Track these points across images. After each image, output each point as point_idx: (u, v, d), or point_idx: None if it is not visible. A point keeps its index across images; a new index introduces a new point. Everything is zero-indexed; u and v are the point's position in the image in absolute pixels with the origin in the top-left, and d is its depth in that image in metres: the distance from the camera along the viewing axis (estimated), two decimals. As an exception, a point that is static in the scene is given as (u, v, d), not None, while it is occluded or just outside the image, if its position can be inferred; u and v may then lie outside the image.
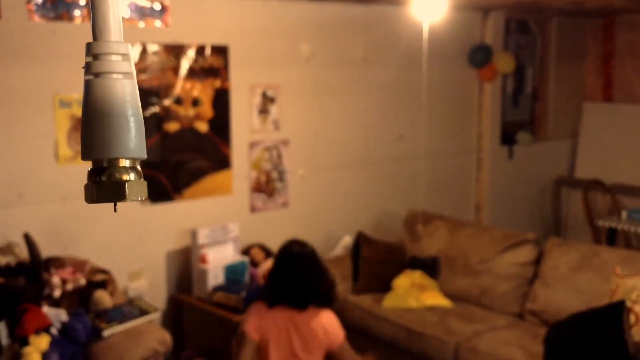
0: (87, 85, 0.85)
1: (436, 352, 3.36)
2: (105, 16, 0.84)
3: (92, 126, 0.86)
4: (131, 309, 3.13)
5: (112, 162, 0.91)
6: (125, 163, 0.92)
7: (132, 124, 0.89)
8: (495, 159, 5.45)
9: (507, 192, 5.57)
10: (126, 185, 0.90)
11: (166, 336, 2.96)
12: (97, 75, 0.84)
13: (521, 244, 3.82)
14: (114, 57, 0.85)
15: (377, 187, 4.86)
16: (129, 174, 0.92)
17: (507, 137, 5.53)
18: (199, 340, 3.75)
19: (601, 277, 3.38)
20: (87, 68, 0.85)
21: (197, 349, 3.68)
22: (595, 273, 3.45)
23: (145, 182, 0.96)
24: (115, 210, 1.01)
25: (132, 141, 0.89)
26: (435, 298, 3.77)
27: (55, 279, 3.02)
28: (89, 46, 0.86)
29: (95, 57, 0.85)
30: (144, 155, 0.92)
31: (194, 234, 3.74)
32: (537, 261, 3.74)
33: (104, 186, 0.92)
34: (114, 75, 0.85)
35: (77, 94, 3.40)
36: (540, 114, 5.88)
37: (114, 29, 0.85)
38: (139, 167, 0.94)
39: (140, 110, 0.90)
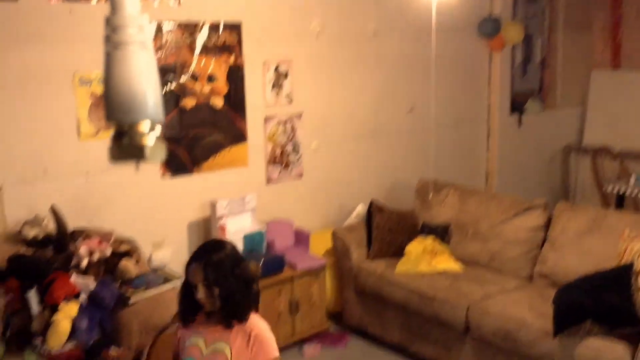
0: (107, 56, 0.92)
1: (448, 315, 3.48)
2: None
3: (114, 93, 0.94)
4: (155, 277, 3.25)
5: (133, 126, 0.98)
6: (144, 126, 0.99)
7: (150, 91, 0.96)
8: (504, 127, 5.51)
9: (517, 160, 5.64)
10: (146, 146, 0.97)
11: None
12: (116, 46, 0.90)
13: (530, 210, 3.90)
14: (131, 29, 0.90)
15: (388, 157, 4.96)
16: (148, 136, 0.99)
17: (517, 106, 5.59)
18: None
19: (609, 241, 3.45)
20: (107, 40, 0.91)
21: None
22: (603, 236, 3.53)
23: (164, 145, 1.03)
24: (137, 169, 1.08)
25: (150, 106, 0.96)
26: (446, 263, 3.89)
27: (82, 250, 3.15)
28: (107, 19, 0.91)
29: (114, 29, 0.90)
30: (162, 119, 1.00)
31: (213, 206, 3.87)
32: (546, 226, 3.83)
33: (126, 147, 0.99)
34: (131, 47, 0.90)
35: (96, 72, 3.50)
36: (548, 82, 5.92)
37: (130, 1, 0.91)
38: (158, 130, 1.01)
39: (157, 77, 0.97)
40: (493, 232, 3.97)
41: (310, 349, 3.91)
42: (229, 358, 2.17)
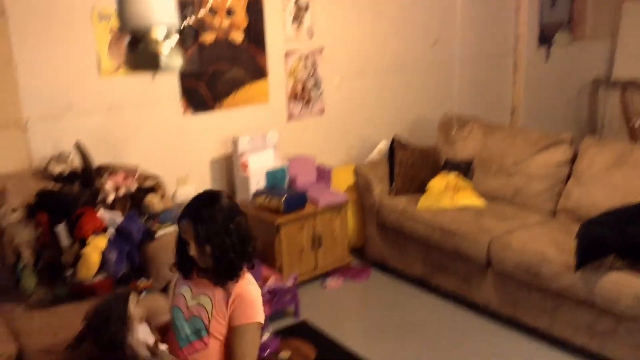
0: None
1: (469, 249, 3.50)
2: None
3: (129, 3, 0.94)
4: (180, 212, 3.30)
5: (147, 33, 0.99)
6: (159, 33, 1.00)
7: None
8: (531, 60, 5.37)
9: (543, 94, 5.52)
10: (161, 54, 0.98)
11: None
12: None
13: (556, 145, 3.85)
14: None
15: (411, 92, 4.88)
16: (163, 44, 1.00)
17: (544, 38, 5.42)
18: (243, 241, 3.96)
19: (636, 175, 3.41)
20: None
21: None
22: (630, 171, 3.47)
23: (180, 53, 1.04)
24: (153, 79, 1.11)
25: (164, 12, 0.96)
26: (469, 198, 3.88)
27: (108, 185, 3.20)
28: None
29: None
30: (177, 26, 0.99)
31: (234, 142, 3.88)
32: (572, 161, 3.78)
33: (141, 55, 1.00)
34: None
35: (115, 7, 3.45)
36: (578, 13, 5.71)
37: None
38: (173, 40, 1.02)
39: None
40: (517, 168, 3.93)
41: (332, 282, 3.99)
42: (210, 313, 2.06)
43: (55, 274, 2.88)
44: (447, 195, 3.88)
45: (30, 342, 2.54)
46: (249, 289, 2.08)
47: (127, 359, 2.09)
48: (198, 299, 2.10)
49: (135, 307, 2.14)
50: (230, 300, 2.04)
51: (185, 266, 2.16)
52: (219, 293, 2.07)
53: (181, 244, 2.11)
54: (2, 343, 2.52)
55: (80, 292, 2.84)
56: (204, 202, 2.07)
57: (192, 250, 2.05)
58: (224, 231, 2.02)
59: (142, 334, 2.11)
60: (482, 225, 3.57)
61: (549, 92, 5.57)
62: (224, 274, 2.05)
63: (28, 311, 2.77)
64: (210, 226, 2.01)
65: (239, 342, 2.02)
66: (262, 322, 2.08)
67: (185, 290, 2.16)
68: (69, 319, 2.64)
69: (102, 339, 2.12)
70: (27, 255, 2.94)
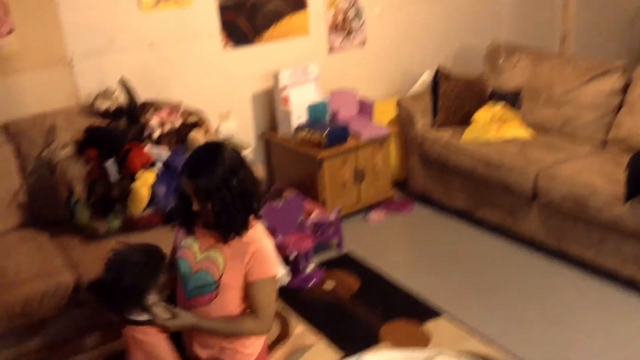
0: None
1: (515, 181, 3.45)
2: None
3: None
4: (224, 146, 3.34)
5: None
6: None
7: None
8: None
9: (595, 20, 5.25)
10: None
11: (258, 170, 3.17)
12: None
13: (607, 73, 3.70)
14: None
15: (456, 20, 4.72)
16: None
17: (598, -40, 5.11)
18: (287, 174, 4.00)
19: (692, 103, 3.27)
20: None
21: (286, 182, 3.94)
22: (686, 99, 3.33)
23: None
24: None
25: None
26: (515, 130, 3.79)
27: (153, 121, 3.24)
28: None
29: None
30: None
31: (275, 76, 3.85)
32: (624, 90, 3.64)
33: None
34: None
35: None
36: None
37: None
38: None
39: None
40: (567, 97, 3.80)
41: (375, 216, 4.01)
42: (221, 268, 2.04)
43: (107, 207, 2.97)
44: (493, 127, 3.80)
45: (85, 272, 2.65)
46: (264, 244, 2.04)
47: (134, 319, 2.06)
48: (208, 252, 2.06)
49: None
50: (247, 258, 2.01)
51: (188, 220, 2.11)
52: (231, 248, 2.03)
53: (183, 198, 2.05)
54: (61, 273, 2.65)
55: (131, 225, 2.93)
56: (204, 156, 1.97)
57: (195, 207, 1.99)
58: (225, 187, 1.93)
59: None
60: (529, 157, 3.50)
61: (602, 18, 5.30)
62: (227, 230, 2.00)
63: (83, 243, 2.88)
64: (210, 182, 1.92)
65: (259, 295, 2.04)
66: (278, 273, 2.11)
67: (190, 242, 2.11)
68: (122, 250, 2.75)
69: (119, 293, 2.04)
70: (79, 190, 3.03)
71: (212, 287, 2.05)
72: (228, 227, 1.99)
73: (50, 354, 2.65)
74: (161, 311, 2.04)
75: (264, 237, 2.06)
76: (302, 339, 2.66)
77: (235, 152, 2.03)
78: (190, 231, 2.13)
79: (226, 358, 2.11)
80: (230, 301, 2.08)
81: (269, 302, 2.06)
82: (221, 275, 2.03)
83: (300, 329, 2.76)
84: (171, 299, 2.19)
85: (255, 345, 2.14)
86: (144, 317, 2.05)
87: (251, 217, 2.05)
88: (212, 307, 2.07)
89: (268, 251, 2.05)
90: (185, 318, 2.04)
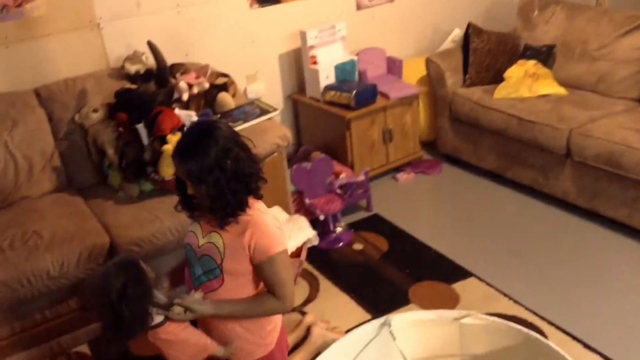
0: None
1: (548, 139, 3.39)
2: None
3: None
4: (252, 108, 3.34)
5: None
6: None
7: None
8: None
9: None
10: None
11: (287, 132, 3.17)
12: None
13: (646, 26, 3.57)
14: None
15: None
16: None
17: None
18: (315, 136, 3.99)
19: None
20: None
21: (314, 144, 3.93)
22: None
23: None
24: None
25: None
26: (549, 86, 3.70)
27: (182, 84, 3.24)
28: None
29: None
30: None
31: (302, 35, 3.80)
32: (663, 43, 3.51)
33: None
34: None
35: None
36: None
37: None
38: None
39: None
40: (602, 52, 3.68)
41: (404, 176, 3.99)
42: (222, 252, 1.92)
43: (139, 171, 3.01)
44: (525, 83, 3.72)
45: (120, 234, 2.71)
46: (263, 221, 1.90)
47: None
48: (209, 237, 1.95)
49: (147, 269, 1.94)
50: (247, 240, 1.88)
51: (189, 204, 2.00)
52: (229, 232, 1.91)
53: (179, 181, 1.94)
54: (96, 235, 2.71)
55: (163, 187, 2.97)
56: (196, 137, 1.84)
57: (190, 190, 1.90)
58: (219, 168, 1.81)
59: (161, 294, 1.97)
60: (563, 114, 3.43)
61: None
62: (223, 214, 1.87)
63: (116, 206, 2.94)
64: (202, 164, 1.80)
65: (271, 275, 1.92)
66: (286, 246, 1.95)
67: (195, 227, 2.02)
68: (154, 213, 2.80)
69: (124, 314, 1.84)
70: (111, 153, 3.08)
71: (217, 273, 1.95)
72: (224, 211, 1.87)
73: (88, 315, 2.74)
74: (174, 310, 1.92)
75: (263, 215, 1.93)
76: (322, 338, 2.54)
77: (230, 130, 1.89)
78: (192, 215, 2.03)
79: (244, 348, 2.03)
80: (241, 286, 1.97)
81: (284, 279, 1.93)
82: (222, 259, 1.92)
83: (318, 329, 2.58)
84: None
85: (272, 335, 2.07)
86: (160, 318, 1.94)
87: (250, 197, 1.92)
88: (222, 293, 1.97)
89: (269, 227, 1.91)
90: (201, 309, 1.93)
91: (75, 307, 2.73)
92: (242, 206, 1.88)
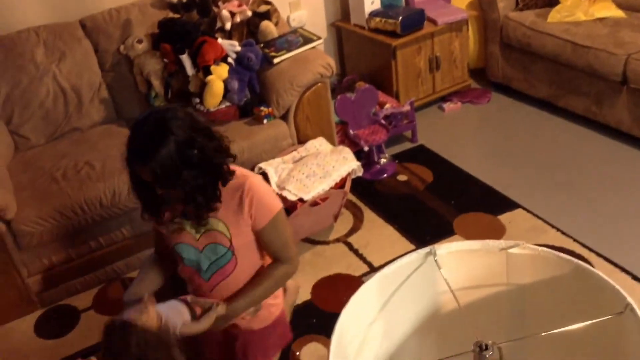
0: None
1: (603, 66, 3.23)
2: None
3: None
4: (295, 37, 3.27)
5: None
6: None
7: None
8: None
9: None
10: None
11: (330, 61, 3.11)
12: None
13: None
14: None
15: None
16: None
17: None
18: (359, 65, 3.91)
19: None
20: None
21: (358, 73, 3.86)
22: None
23: None
24: None
25: None
26: (606, 9, 3.51)
27: (224, 12, 3.20)
28: None
29: None
30: None
31: (347, -41, 3.67)
32: None
33: None
34: None
35: None
36: None
37: None
38: None
39: None
40: (668, -29, 3.45)
41: (450, 106, 3.90)
42: (228, 233, 1.79)
43: (185, 101, 3.03)
44: (582, 6, 3.53)
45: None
46: (254, 182, 1.77)
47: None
48: (204, 226, 1.78)
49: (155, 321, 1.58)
50: (246, 208, 1.75)
51: (153, 208, 1.77)
52: (225, 209, 1.76)
53: (139, 182, 1.69)
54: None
55: (209, 118, 2.99)
56: (151, 136, 1.58)
57: (160, 193, 1.68)
58: (187, 166, 1.61)
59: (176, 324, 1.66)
60: (621, 38, 3.25)
61: None
62: (200, 213, 1.72)
63: (163, 137, 2.97)
64: (169, 169, 1.58)
65: (274, 237, 1.83)
66: (281, 203, 1.84)
67: (174, 225, 1.81)
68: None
69: None
70: (157, 84, 3.10)
71: (229, 256, 1.82)
72: (200, 208, 1.71)
73: (139, 242, 2.83)
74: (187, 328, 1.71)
75: (252, 177, 1.80)
76: (296, 289, 2.42)
77: (185, 115, 1.65)
78: (160, 221, 1.81)
79: (261, 314, 1.94)
80: (250, 259, 1.87)
81: (286, 239, 1.85)
82: (231, 240, 1.80)
83: (291, 282, 2.24)
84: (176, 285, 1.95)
85: (278, 293, 1.98)
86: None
87: (229, 163, 1.75)
88: (240, 274, 1.86)
89: (263, 188, 1.80)
90: (230, 316, 1.81)
91: (128, 235, 2.83)
92: (218, 197, 1.73)
